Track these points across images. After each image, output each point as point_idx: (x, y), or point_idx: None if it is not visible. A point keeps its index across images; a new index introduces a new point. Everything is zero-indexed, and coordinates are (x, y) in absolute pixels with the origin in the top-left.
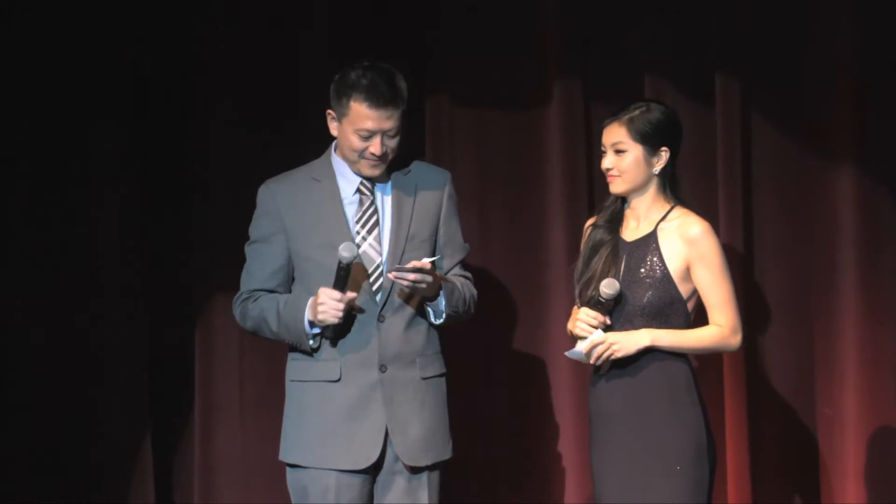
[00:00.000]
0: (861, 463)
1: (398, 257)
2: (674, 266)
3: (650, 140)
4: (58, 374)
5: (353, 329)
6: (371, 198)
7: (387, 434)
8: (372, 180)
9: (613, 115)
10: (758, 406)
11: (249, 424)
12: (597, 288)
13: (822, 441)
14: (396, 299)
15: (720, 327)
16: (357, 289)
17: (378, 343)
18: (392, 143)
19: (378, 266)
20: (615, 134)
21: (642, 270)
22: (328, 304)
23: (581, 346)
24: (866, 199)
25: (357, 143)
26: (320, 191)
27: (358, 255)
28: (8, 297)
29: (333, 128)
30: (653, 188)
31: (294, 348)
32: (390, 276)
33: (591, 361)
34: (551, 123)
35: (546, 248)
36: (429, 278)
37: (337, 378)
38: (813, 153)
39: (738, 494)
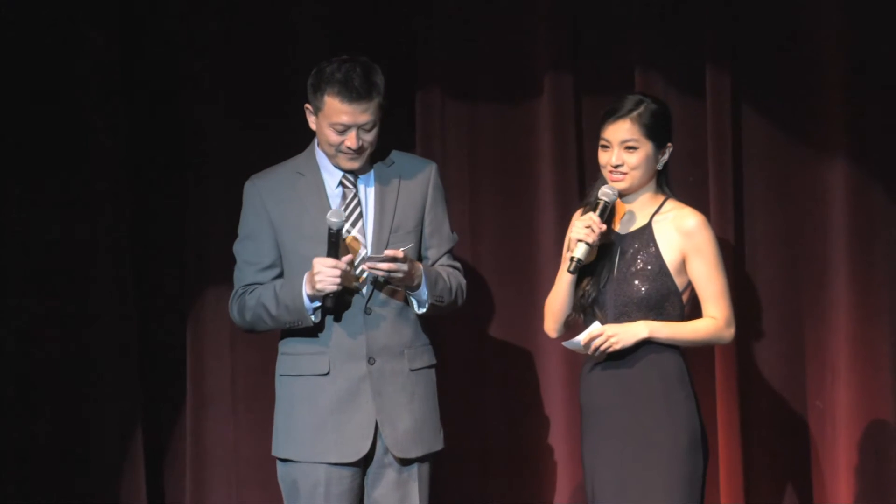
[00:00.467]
0: (852, 456)
1: (382, 249)
2: (670, 258)
3: (659, 136)
4: (48, 369)
5: (341, 322)
6: (354, 190)
7: (377, 427)
8: (354, 173)
9: (614, 111)
10: (749, 399)
11: (241, 418)
12: (597, 197)
13: (813, 434)
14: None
15: (715, 319)
16: (352, 253)
17: (365, 335)
18: (369, 136)
19: (363, 258)
20: (626, 130)
21: (639, 263)
22: (324, 272)
23: (579, 338)
24: (857, 192)
25: (333, 137)
26: (305, 184)
27: (345, 222)
28: None
29: (311, 122)
30: (653, 183)
31: (288, 333)
32: (364, 266)
33: (589, 353)
34: (542, 116)
35: (536, 241)
36: (405, 267)
37: (326, 372)
38: (804, 146)
39: (729, 487)
